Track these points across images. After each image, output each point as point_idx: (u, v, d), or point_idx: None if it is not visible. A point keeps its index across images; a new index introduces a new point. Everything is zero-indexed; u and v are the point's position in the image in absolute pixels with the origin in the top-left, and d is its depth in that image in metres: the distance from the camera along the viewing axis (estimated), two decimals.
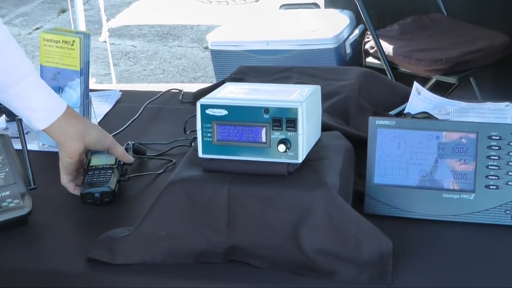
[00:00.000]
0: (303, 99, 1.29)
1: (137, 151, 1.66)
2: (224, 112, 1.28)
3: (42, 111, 1.44)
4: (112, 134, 1.62)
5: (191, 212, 1.27)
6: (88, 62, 1.71)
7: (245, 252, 1.26)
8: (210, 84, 2.01)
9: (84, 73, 1.70)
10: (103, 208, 1.48)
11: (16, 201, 1.43)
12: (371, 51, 3.33)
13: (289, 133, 1.26)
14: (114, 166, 1.53)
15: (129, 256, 1.28)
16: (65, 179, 1.51)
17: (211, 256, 1.27)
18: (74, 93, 1.70)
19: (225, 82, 1.86)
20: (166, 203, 1.28)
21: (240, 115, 1.27)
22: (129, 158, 1.57)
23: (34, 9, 7.03)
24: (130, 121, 1.84)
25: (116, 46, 5.65)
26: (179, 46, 5.67)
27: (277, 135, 1.26)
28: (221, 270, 1.26)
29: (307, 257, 1.22)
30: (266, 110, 1.26)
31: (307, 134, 1.28)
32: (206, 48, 5.54)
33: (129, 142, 1.65)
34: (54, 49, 1.69)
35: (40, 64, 1.73)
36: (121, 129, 1.80)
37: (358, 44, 3.62)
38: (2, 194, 1.43)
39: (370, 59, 3.35)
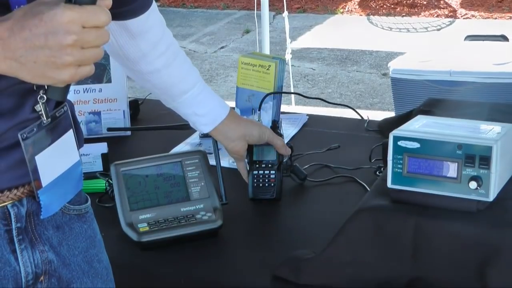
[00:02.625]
0: (498, 137, 1.28)
1: (295, 173, 1.71)
2: (416, 145, 1.29)
3: (207, 116, 1.57)
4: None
5: (377, 240, 1.29)
6: (282, 86, 1.78)
7: (428, 285, 1.26)
8: (394, 114, 2.02)
9: (277, 97, 1.77)
10: (282, 223, 1.53)
11: (209, 214, 1.51)
12: None
13: (481, 171, 1.25)
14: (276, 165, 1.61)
15: (313, 278, 1.32)
16: (240, 167, 1.65)
17: (393, 286, 1.28)
18: (266, 115, 1.77)
19: (413, 113, 1.87)
20: (354, 229, 1.31)
21: (433, 149, 1.28)
22: (287, 150, 1.65)
23: (221, 28, 7.32)
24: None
25: (296, 68, 5.78)
26: (357, 71, 5.71)
27: (469, 171, 1.26)
28: None
29: None
30: (460, 146, 1.26)
31: (500, 173, 1.27)
32: (385, 74, 5.54)
33: (288, 161, 1.69)
34: (250, 72, 1.78)
35: (237, 86, 1.82)
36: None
37: None
38: (197, 207, 1.52)
39: None
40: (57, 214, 1.10)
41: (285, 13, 4.73)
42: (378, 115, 2.66)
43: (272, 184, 1.59)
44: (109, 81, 2.05)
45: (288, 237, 1.51)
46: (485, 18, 6.95)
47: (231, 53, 6.40)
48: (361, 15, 7.44)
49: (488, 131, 1.32)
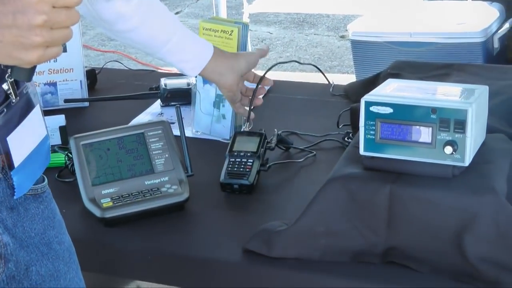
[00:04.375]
0: (472, 100, 1.24)
1: (282, 141, 1.66)
2: (389, 110, 1.25)
3: (192, 60, 1.54)
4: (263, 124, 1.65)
5: (350, 210, 1.26)
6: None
7: (404, 255, 1.23)
8: (354, 77, 1.98)
9: None
10: (252, 197, 1.49)
11: (174, 187, 1.46)
12: None
13: (456, 135, 1.22)
14: (256, 155, 1.53)
15: (286, 250, 1.27)
16: (236, 108, 1.63)
17: (368, 256, 1.25)
18: None
19: (380, 76, 1.83)
20: (326, 199, 1.27)
21: (406, 114, 1.24)
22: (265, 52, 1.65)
23: None
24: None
25: (253, 32, 5.70)
26: (315, 34, 5.66)
27: (444, 136, 1.22)
28: (378, 270, 1.24)
29: (470, 264, 1.18)
30: (434, 110, 1.22)
31: (474, 137, 1.23)
32: (342, 37, 5.50)
33: (276, 130, 1.64)
34: (212, 38, 1.71)
35: None
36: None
37: (506, 38, 3.47)
38: (161, 180, 1.47)
39: None
40: (10, 195, 1.04)
41: None
42: (338, 78, 2.63)
43: (247, 170, 1.51)
44: (64, 50, 1.96)
45: (259, 208, 1.46)
46: None
47: (187, 18, 6.28)
48: None
49: (461, 94, 1.28)
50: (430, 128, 1.23)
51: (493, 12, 3.54)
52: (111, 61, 2.30)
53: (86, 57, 5.24)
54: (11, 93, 0.96)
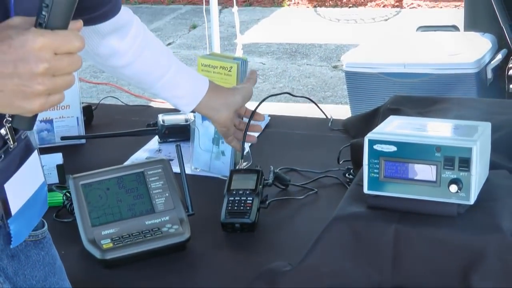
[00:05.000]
0: (476, 137, 1.23)
1: (279, 179, 1.64)
2: (393, 148, 1.24)
3: (186, 96, 1.52)
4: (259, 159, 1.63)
5: (355, 250, 1.24)
6: None
7: None
8: (349, 108, 1.97)
9: None
10: (253, 236, 1.48)
11: (175, 227, 1.44)
12: None
13: (461, 173, 1.21)
14: (255, 192, 1.52)
15: None
16: (229, 141, 1.61)
17: None
18: None
19: (379, 111, 1.83)
20: (331, 239, 1.25)
21: (410, 152, 1.23)
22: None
23: (167, 24, 7.21)
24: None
25: None
26: (307, 64, 5.67)
27: (449, 174, 1.21)
28: None
29: None
30: (438, 148, 1.21)
31: (479, 175, 1.23)
32: (335, 67, 5.52)
33: (271, 167, 1.63)
34: (211, 75, 1.70)
35: None
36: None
37: (499, 69, 3.49)
38: (162, 219, 1.45)
39: None
40: (9, 243, 1.02)
41: (235, 8, 4.67)
42: (332, 109, 2.63)
43: (248, 208, 1.49)
44: None
45: (262, 248, 1.44)
46: (431, 7, 6.98)
47: (179, 49, 6.30)
48: (308, 7, 7.41)
49: (464, 131, 1.28)
50: (435, 167, 1.22)
51: (486, 43, 3.56)
52: (107, 96, 2.29)
53: (83, 92, 5.24)
54: (8, 138, 0.94)
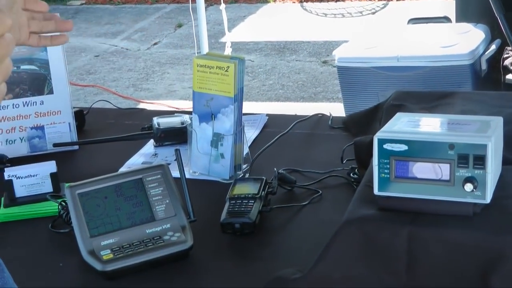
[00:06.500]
0: (490, 133, 1.19)
1: (284, 180, 1.60)
2: (404, 147, 1.19)
3: None
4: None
5: (367, 254, 1.19)
6: (242, 88, 1.65)
7: None
8: (342, 104, 1.92)
9: (238, 99, 1.64)
10: (257, 240, 1.43)
11: (177, 234, 1.39)
12: None
13: (476, 171, 1.16)
14: (257, 196, 1.47)
15: None
16: (20, 42, 1.31)
17: None
18: (227, 120, 1.65)
19: (380, 108, 1.78)
20: (342, 244, 1.20)
21: (422, 151, 1.18)
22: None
23: (152, 24, 7.13)
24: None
25: None
26: (296, 60, 5.62)
27: (463, 173, 1.17)
28: None
29: None
30: (451, 146, 1.17)
31: (494, 172, 1.18)
32: (325, 62, 5.47)
33: (275, 170, 1.58)
34: (208, 75, 1.65)
35: (193, 90, 1.69)
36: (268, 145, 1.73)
37: (494, 60, 3.45)
38: (163, 227, 1.40)
39: (510, 76, 3.18)
40: None
41: (222, 5, 4.60)
42: (325, 107, 2.56)
43: (249, 209, 1.44)
44: (50, 92, 1.89)
45: (268, 254, 1.39)
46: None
47: (165, 49, 6.22)
48: (294, 2, 7.34)
49: (477, 127, 1.23)
50: (448, 165, 1.17)
51: (479, 34, 3.52)
52: (99, 100, 2.23)
53: (74, 96, 5.16)
54: None
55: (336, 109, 3.64)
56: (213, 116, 1.67)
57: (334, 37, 5.88)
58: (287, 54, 5.77)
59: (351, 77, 3.56)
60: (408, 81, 3.38)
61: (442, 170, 1.18)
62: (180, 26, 6.89)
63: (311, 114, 1.97)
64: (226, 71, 1.63)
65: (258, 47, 6.02)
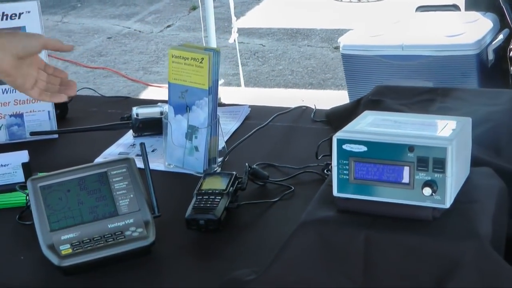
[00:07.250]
0: (452, 136, 1.15)
1: (256, 175, 1.57)
2: (363, 148, 1.16)
3: None
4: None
5: (324, 257, 1.16)
6: (217, 80, 1.62)
7: None
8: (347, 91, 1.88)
9: (213, 92, 1.61)
10: (223, 237, 1.40)
11: (139, 230, 1.36)
12: None
13: (436, 175, 1.12)
14: (224, 192, 1.45)
15: None
16: (32, 94, 1.44)
17: None
18: (201, 112, 1.62)
19: (361, 102, 1.74)
20: (297, 245, 1.17)
21: (381, 152, 1.15)
22: (67, 46, 1.47)
23: (166, 6, 7.10)
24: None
25: (245, 44, 5.60)
26: (308, 45, 5.56)
27: (422, 176, 1.13)
28: None
29: None
30: (411, 148, 1.13)
31: (456, 176, 1.14)
32: (336, 48, 5.41)
33: (247, 165, 1.55)
34: (182, 66, 1.62)
35: (168, 82, 1.66)
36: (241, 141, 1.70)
37: (501, 50, 3.38)
38: (126, 222, 1.37)
39: None
40: None
41: None
42: (331, 95, 2.51)
43: (214, 205, 1.42)
44: None
45: (230, 252, 1.37)
46: None
47: (178, 31, 6.20)
48: None
49: (441, 128, 1.19)
50: (408, 168, 1.13)
51: (487, 23, 3.45)
52: (83, 88, 2.20)
53: (75, 74, 5.16)
54: None
55: (342, 97, 3.61)
56: (188, 108, 1.64)
57: (348, 23, 5.81)
58: (299, 39, 5.72)
59: (355, 65, 3.51)
60: (412, 70, 3.33)
61: (401, 173, 1.14)
62: (194, 8, 6.85)
63: (311, 103, 1.92)
64: (201, 62, 1.60)
65: (270, 31, 5.97)
